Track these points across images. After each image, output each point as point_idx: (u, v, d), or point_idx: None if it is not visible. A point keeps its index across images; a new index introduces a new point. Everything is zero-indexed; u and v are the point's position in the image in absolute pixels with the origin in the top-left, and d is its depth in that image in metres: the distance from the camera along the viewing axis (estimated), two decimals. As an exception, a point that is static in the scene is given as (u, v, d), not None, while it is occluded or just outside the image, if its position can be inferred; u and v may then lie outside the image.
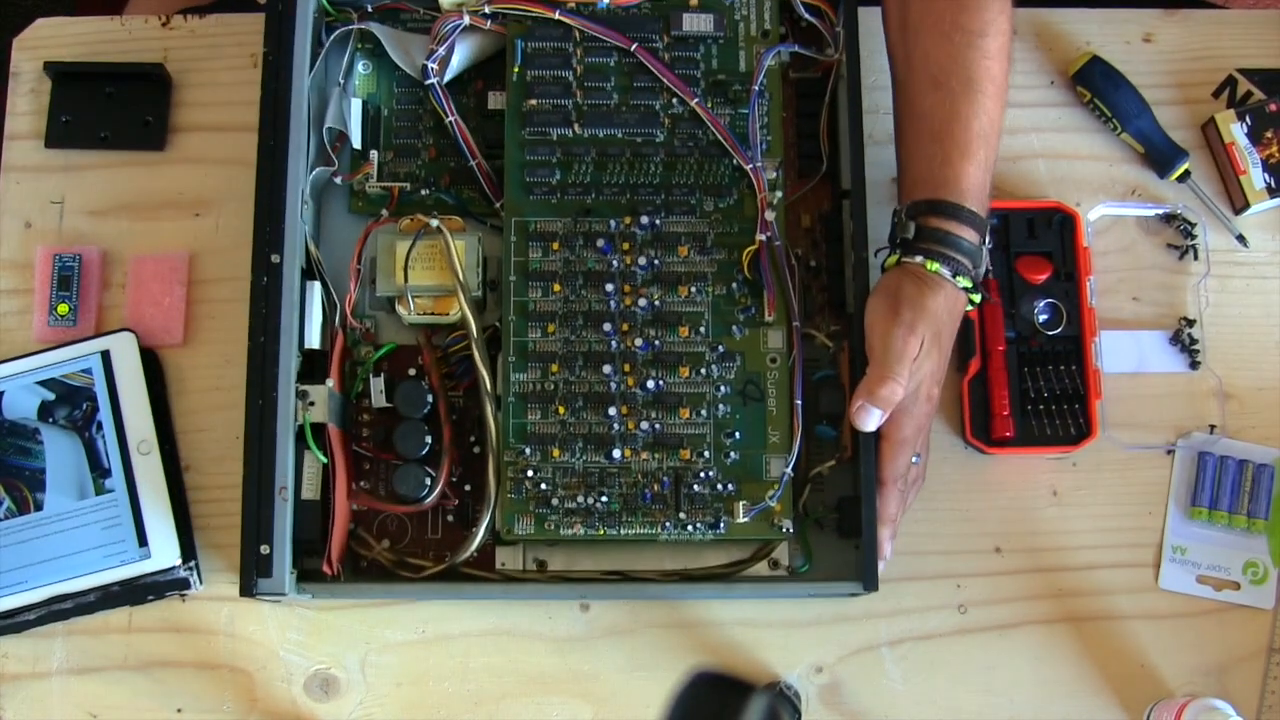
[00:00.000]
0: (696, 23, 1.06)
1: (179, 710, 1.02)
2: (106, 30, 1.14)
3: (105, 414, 1.03)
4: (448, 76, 1.06)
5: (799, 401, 0.99)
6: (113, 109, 1.11)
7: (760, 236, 1.01)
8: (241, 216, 1.07)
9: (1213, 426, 1.07)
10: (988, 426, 1.05)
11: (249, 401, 0.97)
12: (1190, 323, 1.09)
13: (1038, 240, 1.08)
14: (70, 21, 1.14)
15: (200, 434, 1.06)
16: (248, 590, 0.94)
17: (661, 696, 0.86)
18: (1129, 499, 1.06)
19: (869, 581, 0.95)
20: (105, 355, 1.04)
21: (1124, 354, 1.08)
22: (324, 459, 0.99)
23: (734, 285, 1.01)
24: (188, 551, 1.02)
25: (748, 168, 1.03)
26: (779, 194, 1.03)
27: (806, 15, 1.08)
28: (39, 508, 1.02)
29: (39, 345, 1.07)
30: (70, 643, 1.02)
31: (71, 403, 1.04)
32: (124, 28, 1.14)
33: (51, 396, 1.04)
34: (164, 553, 1.02)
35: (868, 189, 1.03)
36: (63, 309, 1.06)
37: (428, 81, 1.05)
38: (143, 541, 1.02)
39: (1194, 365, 1.09)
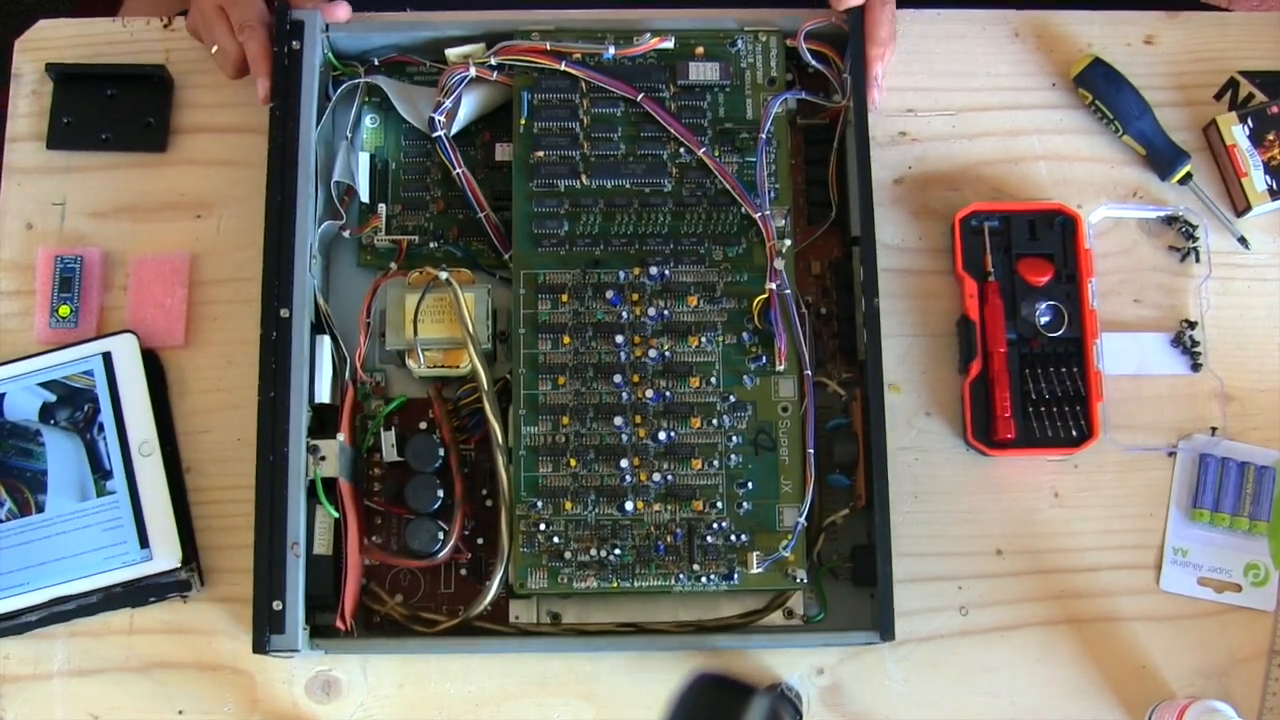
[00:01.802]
0: (703, 71, 1.05)
1: (180, 712, 1.02)
2: (108, 32, 1.14)
3: (107, 415, 1.03)
4: (455, 129, 1.06)
5: (811, 450, 0.99)
6: (114, 110, 1.11)
7: (770, 285, 1.01)
8: (243, 218, 1.08)
9: (1214, 428, 1.07)
10: (989, 428, 1.05)
11: (259, 457, 0.97)
12: (1192, 325, 1.09)
13: (1039, 242, 1.08)
14: (71, 23, 1.14)
15: (201, 435, 1.06)
16: (260, 647, 0.94)
17: (663, 698, 0.86)
18: (1130, 501, 1.06)
19: (885, 631, 0.96)
20: (106, 357, 1.04)
21: (1125, 356, 1.08)
22: (335, 514, 0.99)
23: (744, 334, 1.01)
24: (189, 553, 1.02)
25: (756, 216, 1.03)
26: (788, 242, 1.02)
27: (813, 62, 1.07)
28: (40, 509, 1.02)
29: (40, 347, 1.07)
30: (72, 644, 1.02)
31: (73, 404, 1.04)
32: (125, 29, 1.14)
33: (53, 398, 1.04)
34: (165, 554, 1.01)
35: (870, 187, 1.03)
36: (64, 310, 1.06)
37: (435, 134, 1.04)
38: (144, 543, 1.02)
39: (1195, 367, 1.09)
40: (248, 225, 1.05)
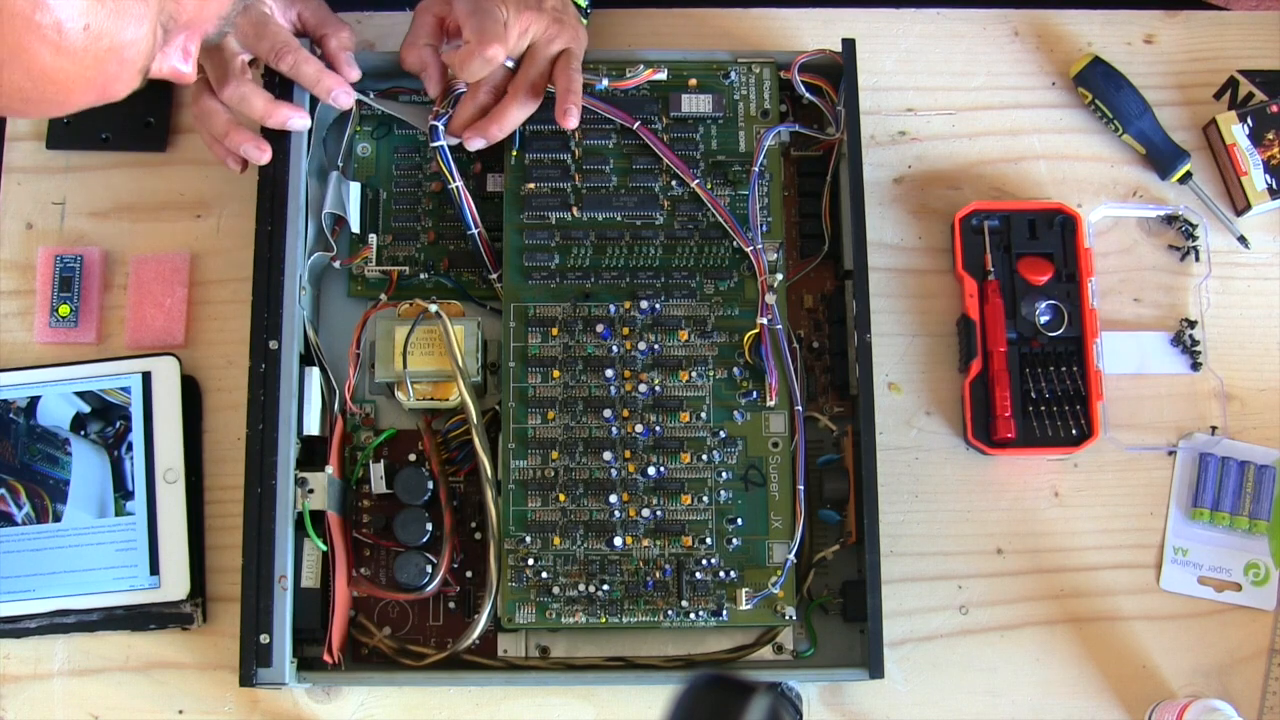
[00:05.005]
0: (696, 104, 1.05)
1: (180, 711, 1.02)
2: (108, 31, 1.13)
3: (137, 436, 1.03)
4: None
5: (801, 487, 0.99)
6: (114, 110, 1.09)
7: (761, 320, 1.01)
8: (242, 218, 1.07)
9: (1214, 428, 1.07)
10: (989, 427, 1.05)
11: (248, 489, 0.96)
12: (1191, 324, 1.09)
13: (1039, 241, 1.08)
14: (71, 22, 1.14)
15: (201, 434, 1.06)
16: (247, 680, 0.94)
17: (663, 697, 0.86)
18: (1130, 500, 1.06)
19: (875, 668, 0.95)
20: (146, 376, 1.04)
21: (1125, 355, 1.08)
22: (324, 547, 0.98)
23: (735, 369, 1.01)
24: (197, 587, 1.02)
25: (748, 250, 1.02)
26: (780, 276, 1.02)
27: (807, 94, 1.07)
28: (57, 519, 1.02)
29: (40, 346, 1.07)
30: (72, 644, 1.02)
31: (105, 419, 1.03)
32: (125, 29, 1.14)
33: (87, 409, 1.04)
34: (174, 584, 1.01)
35: (865, 190, 1.03)
36: (64, 310, 1.06)
37: (436, 143, 1.02)
38: (154, 570, 1.01)
39: (1195, 366, 1.09)
40: (248, 225, 1.05)
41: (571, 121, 1.01)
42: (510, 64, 1.01)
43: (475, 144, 1.02)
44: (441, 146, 1.03)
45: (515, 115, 1.02)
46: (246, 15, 0.99)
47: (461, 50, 0.98)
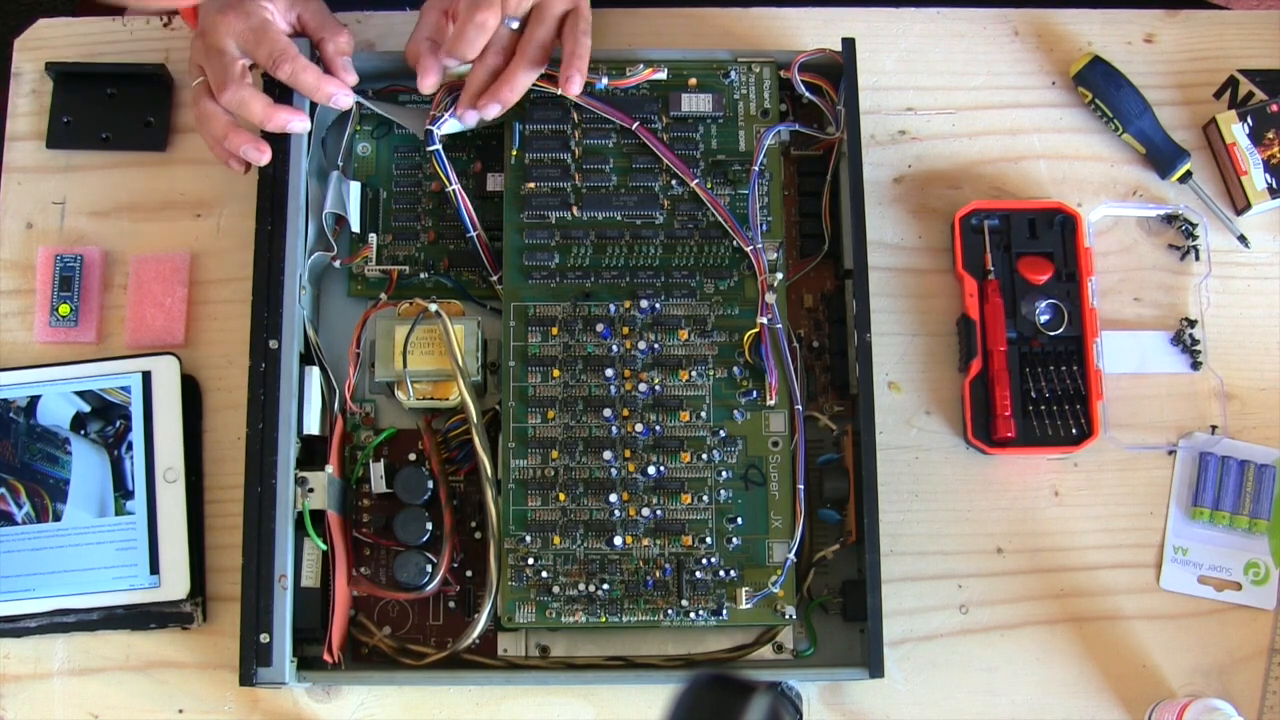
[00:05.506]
0: (695, 103, 1.05)
1: (180, 711, 1.02)
2: (108, 31, 1.14)
3: (137, 435, 1.03)
4: (446, 129, 1.04)
5: (801, 486, 0.99)
6: (114, 109, 1.11)
7: (761, 320, 1.01)
8: (242, 217, 1.08)
9: (1214, 427, 1.07)
10: (989, 427, 1.05)
11: (248, 489, 0.96)
12: (1192, 323, 1.09)
13: (1039, 241, 1.08)
14: (72, 22, 1.14)
15: (202, 434, 1.06)
16: (247, 680, 0.94)
17: (663, 697, 0.86)
18: (1130, 499, 1.06)
19: (875, 668, 0.95)
20: (146, 376, 1.04)
21: (1125, 354, 1.08)
22: (323, 546, 0.98)
23: (735, 369, 1.01)
24: (197, 586, 1.02)
25: (748, 249, 1.02)
26: (780, 275, 1.02)
27: (807, 93, 1.07)
28: (57, 518, 1.02)
29: (41, 346, 1.07)
30: (72, 643, 1.02)
31: (105, 418, 1.03)
32: (125, 28, 1.14)
33: (87, 409, 1.04)
34: (174, 584, 1.01)
35: (865, 189, 1.03)
36: (64, 310, 1.06)
37: (431, 147, 1.03)
38: (154, 569, 1.01)
39: (1195, 366, 1.09)
40: (248, 224, 1.05)
41: (574, 88, 1.00)
42: (514, 25, 1.01)
43: (491, 111, 1.01)
44: (437, 150, 1.03)
45: (524, 77, 1.01)
46: (248, 21, 1.00)
47: (454, 26, 0.98)
